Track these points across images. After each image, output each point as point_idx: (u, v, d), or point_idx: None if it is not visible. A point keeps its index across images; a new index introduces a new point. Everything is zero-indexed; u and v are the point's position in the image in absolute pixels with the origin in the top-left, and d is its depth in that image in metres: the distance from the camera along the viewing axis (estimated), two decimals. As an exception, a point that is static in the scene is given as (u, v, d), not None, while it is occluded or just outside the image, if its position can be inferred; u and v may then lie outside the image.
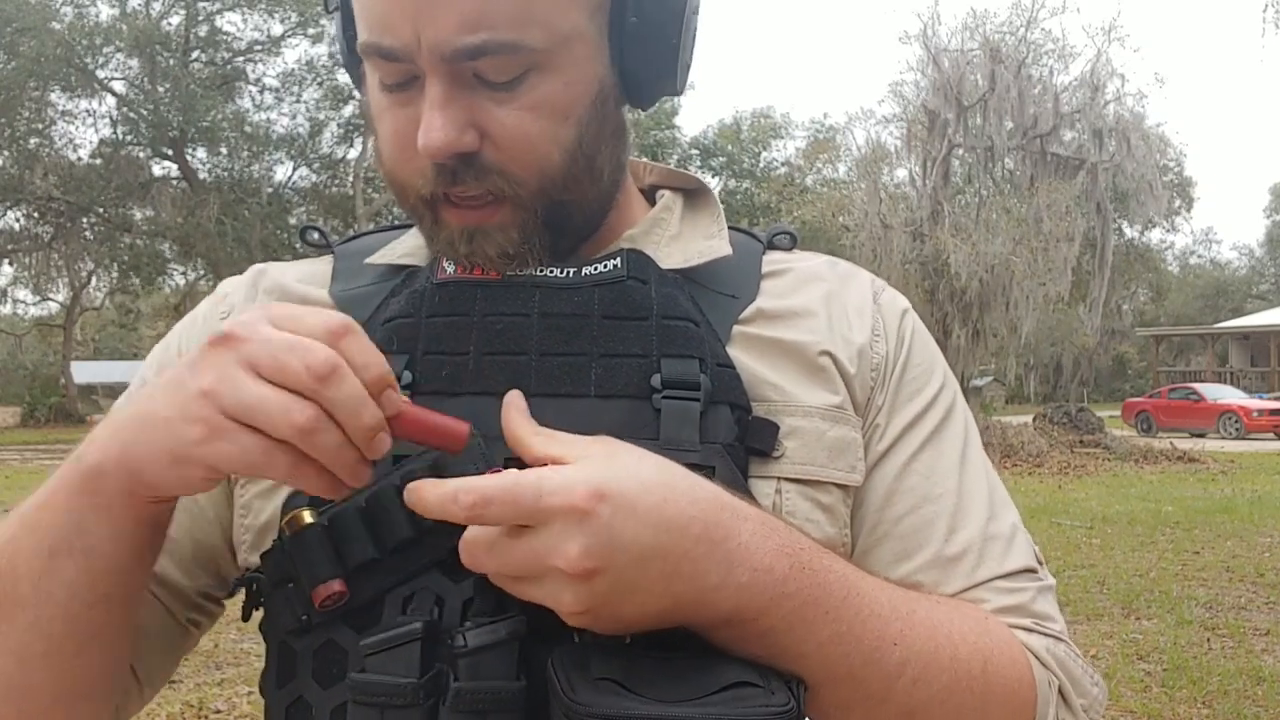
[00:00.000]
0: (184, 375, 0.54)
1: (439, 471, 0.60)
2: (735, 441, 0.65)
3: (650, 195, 0.81)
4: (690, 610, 0.55)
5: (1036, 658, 0.68)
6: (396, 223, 0.82)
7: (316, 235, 0.78)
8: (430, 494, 0.55)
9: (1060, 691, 0.68)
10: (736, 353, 0.69)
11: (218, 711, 4.19)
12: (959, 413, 0.75)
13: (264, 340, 0.53)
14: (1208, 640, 5.32)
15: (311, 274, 0.77)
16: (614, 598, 0.53)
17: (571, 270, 0.69)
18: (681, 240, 0.75)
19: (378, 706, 0.56)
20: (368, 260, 0.75)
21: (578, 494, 0.52)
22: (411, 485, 0.56)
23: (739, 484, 0.64)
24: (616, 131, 0.71)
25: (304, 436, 0.52)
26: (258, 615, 0.66)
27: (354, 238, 0.80)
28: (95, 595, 0.59)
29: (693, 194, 0.81)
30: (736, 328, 0.71)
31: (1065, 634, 0.71)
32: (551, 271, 0.69)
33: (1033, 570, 0.72)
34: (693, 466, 0.61)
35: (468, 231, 0.67)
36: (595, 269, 0.69)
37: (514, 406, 0.61)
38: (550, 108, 0.64)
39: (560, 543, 0.52)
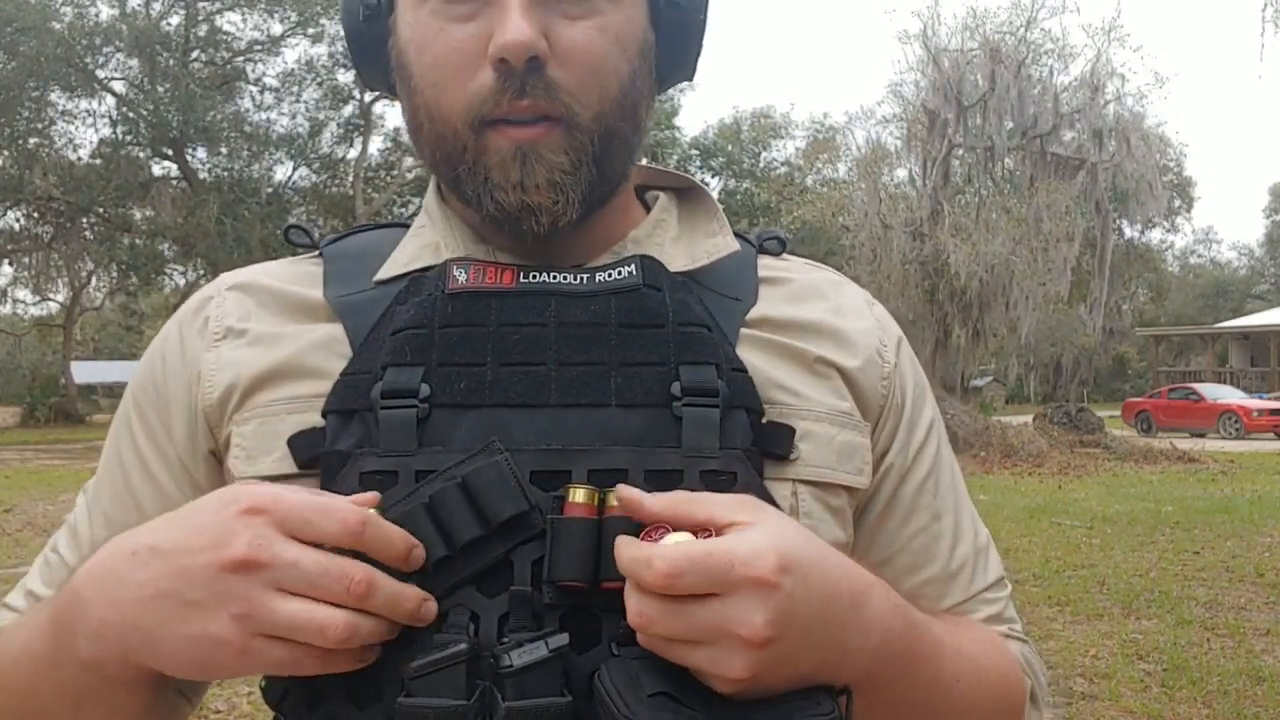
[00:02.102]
0: (201, 596, 0.54)
1: (468, 490, 0.59)
2: (751, 446, 0.65)
3: (640, 197, 0.80)
4: (828, 672, 0.56)
5: (1019, 666, 0.74)
6: (391, 220, 0.80)
7: (300, 235, 0.76)
8: (623, 553, 0.55)
9: (1031, 692, 0.74)
10: (745, 355, 0.69)
11: (218, 711, 4.19)
12: (944, 431, 0.80)
13: (292, 565, 0.54)
14: (1208, 640, 5.32)
15: (298, 275, 0.75)
16: (777, 664, 0.54)
17: (585, 277, 0.68)
18: (683, 241, 0.75)
19: None
20: (377, 278, 0.72)
21: (768, 566, 0.53)
22: (619, 541, 0.56)
23: (759, 488, 0.64)
24: (650, 94, 0.73)
25: (345, 643, 0.55)
26: None
27: (341, 237, 0.78)
28: None
29: (685, 193, 0.80)
30: (743, 330, 0.71)
31: (1023, 631, 0.78)
32: (566, 278, 0.68)
33: (1002, 579, 0.78)
34: (713, 473, 0.63)
35: (520, 151, 0.65)
36: (609, 275, 0.69)
37: (631, 493, 0.59)
38: (614, 35, 0.67)
39: (747, 613, 0.52)
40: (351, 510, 0.56)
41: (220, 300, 0.75)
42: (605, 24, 0.66)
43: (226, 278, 0.77)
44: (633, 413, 0.64)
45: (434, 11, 0.66)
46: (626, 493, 0.58)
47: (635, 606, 0.54)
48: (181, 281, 30.69)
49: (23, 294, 33.56)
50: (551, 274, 0.68)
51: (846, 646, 0.56)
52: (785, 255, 0.79)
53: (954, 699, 0.65)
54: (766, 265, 0.77)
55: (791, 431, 0.68)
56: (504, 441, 0.61)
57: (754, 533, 0.54)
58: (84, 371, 39.64)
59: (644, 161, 0.81)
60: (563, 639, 0.56)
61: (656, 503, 0.57)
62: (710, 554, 0.53)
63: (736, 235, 0.78)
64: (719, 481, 0.62)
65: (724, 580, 0.52)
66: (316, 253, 0.76)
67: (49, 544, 0.76)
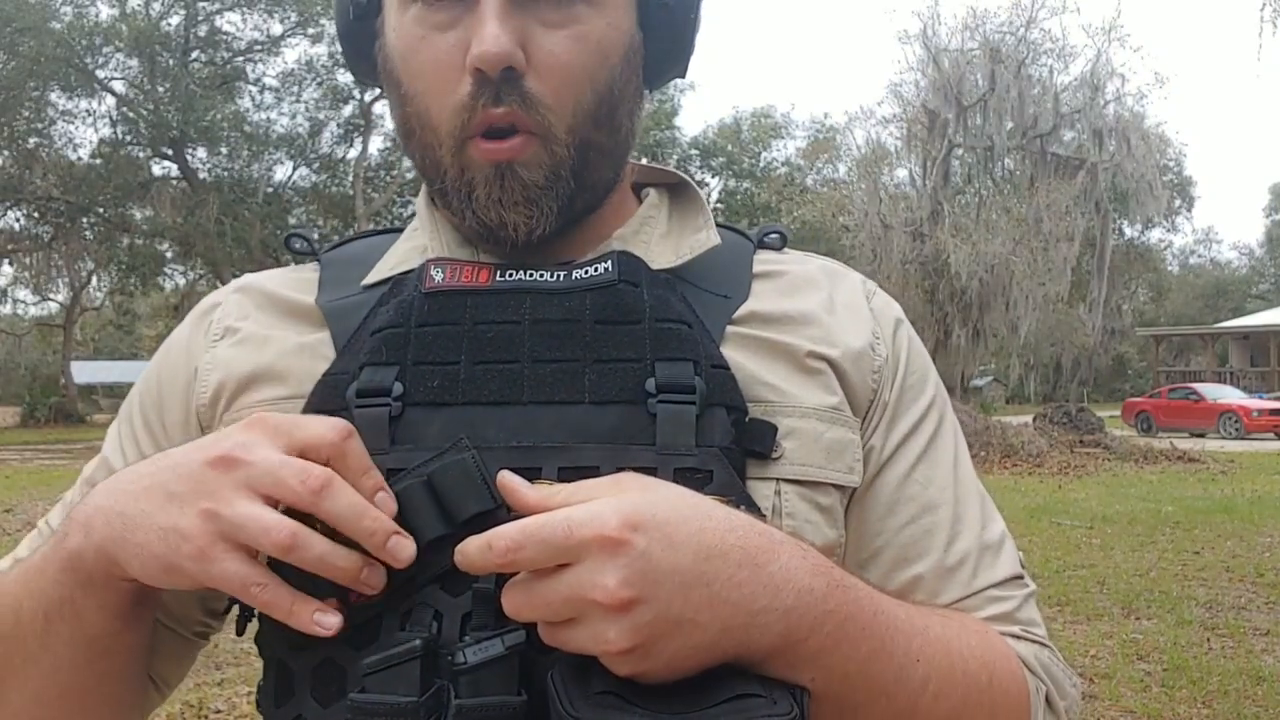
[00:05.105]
0: (183, 489, 0.55)
1: (433, 488, 0.59)
2: (732, 444, 0.64)
3: (636, 194, 0.80)
4: (740, 638, 0.54)
5: (1026, 665, 0.69)
6: (391, 225, 0.81)
7: (301, 243, 0.77)
8: (469, 547, 0.54)
9: (1046, 696, 0.70)
10: (731, 353, 0.68)
11: (218, 711, 4.19)
12: (949, 421, 0.76)
13: (263, 463, 0.54)
14: (1208, 640, 5.32)
15: (297, 281, 0.77)
16: (660, 631, 0.51)
17: (562, 274, 0.68)
18: (672, 238, 0.75)
19: None
20: (364, 282, 0.73)
21: (610, 524, 0.51)
22: (459, 547, 0.55)
23: (737, 487, 0.63)
24: (637, 96, 0.72)
25: (285, 553, 0.54)
26: (252, 626, 0.65)
27: (340, 244, 0.79)
28: (93, 652, 0.62)
29: (678, 190, 0.80)
30: (730, 328, 0.70)
31: (1046, 637, 0.73)
32: (542, 276, 0.68)
33: (1019, 577, 0.74)
34: (689, 470, 0.61)
35: (499, 169, 0.66)
36: (586, 272, 0.68)
37: (511, 480, 0.57)
38: (595, 43, 0.66)
39: (596, 575, 0.51)
40: (342, 423, 0.57)
41: (226, 302, 0.77)
42: (585, 32, 0.66)
43: (236, 282, 0.80)
44: (606, 410, 0.63)
45: (417, 19, 0.67)
46: (506, 480, 0.56)
47: (505, 598, 0.54)
48: (181, 281, 30.72)
49: (23, 294, 33.66)
50: (528, 272, 0.68)
51: (750, 607, 0.53)
52: (786, 249, 0.78)
53: (915, 681, 0.60)
54: (764, 260, 0.76)
55: (774, 429, 0.66)
56: (475, 439, 0.60)
57: (601, 500, 0.53)
58: (84, 371, 39.65)
59: (643, 161, 0.81)
60: (520, 636, 0.55)
61: (533, 492, 0.56)
62: (545, 523, 0.52)
63: (737, 232, 0.78)
64: (694, 479, 0.61)
65: (565, 546, 0.51)
66: (316, 260, 0.77)
67: (41, 520, 0.78)
